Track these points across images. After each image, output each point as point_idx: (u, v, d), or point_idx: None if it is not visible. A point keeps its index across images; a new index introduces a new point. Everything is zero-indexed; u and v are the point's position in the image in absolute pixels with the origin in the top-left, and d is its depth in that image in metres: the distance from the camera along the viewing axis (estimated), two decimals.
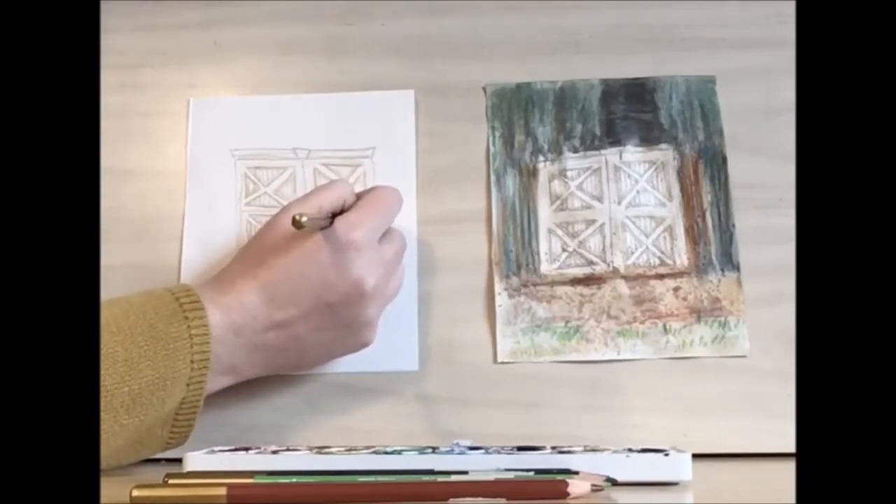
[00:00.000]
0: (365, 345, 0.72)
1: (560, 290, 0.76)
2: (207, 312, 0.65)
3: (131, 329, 0.63)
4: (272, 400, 0.73)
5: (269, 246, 0.69)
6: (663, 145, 0.78)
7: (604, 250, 0.76)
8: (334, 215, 0.69)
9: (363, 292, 0.68)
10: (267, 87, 0.81)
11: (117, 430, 0.62)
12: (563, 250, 0.77)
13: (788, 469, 0.50)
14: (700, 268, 0.76)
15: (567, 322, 0.75)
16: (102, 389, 0.61)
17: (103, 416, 0.61)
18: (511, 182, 0.78)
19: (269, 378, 0.72)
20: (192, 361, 0.64)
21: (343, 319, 0.69)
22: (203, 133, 0.80)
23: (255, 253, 0.69)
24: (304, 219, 0.64)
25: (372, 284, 0.69)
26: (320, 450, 0.62)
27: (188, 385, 0.65)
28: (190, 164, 0.80)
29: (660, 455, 0.57)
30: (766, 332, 0.74)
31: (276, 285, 0.67)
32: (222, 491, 0.51)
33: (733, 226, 0.76)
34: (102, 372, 0.61)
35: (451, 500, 0.50)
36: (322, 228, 0.68)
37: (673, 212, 0.77)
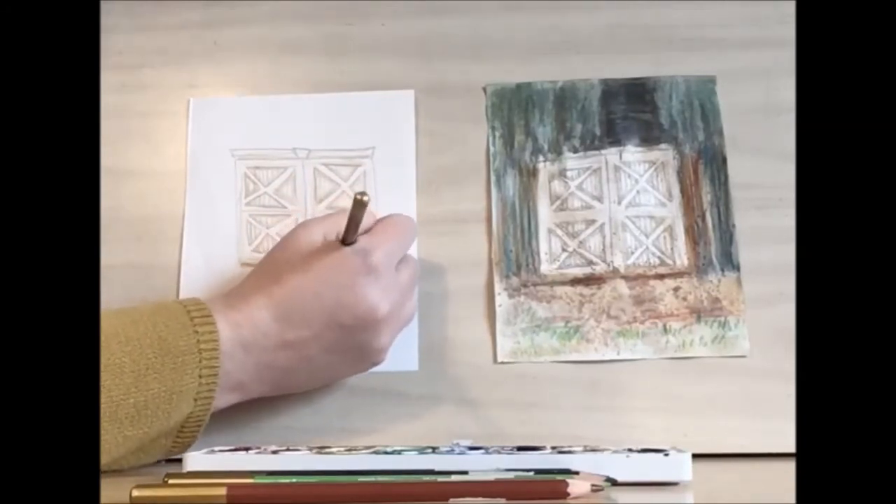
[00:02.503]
0: (375, 366, 0.71)
1: (560, 290, 0.76)
2: (218, 327, 0.64)
3: (140, 340, 0.63)
4: (272, 400, 0.73)
5: (283, 263, 0.68)
6: (663, 145, 0.78)
7: (604, 250, 0.76)
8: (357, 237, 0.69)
9: (377, 317, 0.67)
10: (267, 87, 0.81)
11: (121, 440, 0.62)
12: (563, 250, 0.77)
13: (788, 469, 0.50)
14: (700, 268, 0.76)
15: (567, 322, 0.75)
16: (108, 400, 0.61)
17: (108, 426, 0.61)
18: (511, 182, 0.78)
19: None
20: (200, 376, 0.64)
21: (355, 342, 0.68)
22: (203, 133, 0.80)
23: (269, 269, 0.69)
24: (367, 198, 0.63)
25: (387, 310, 0.68)
26: (320, 450, 0.62)
27: (196, 400, 0.64)
28: (190, 164, 0.80)
29: (660, 455, 0.57)
30: (766, 332, 0.74)
31: (290, 304, 0.67)
32: (222, 491, 0.51)
33: (733, 226, 0.76)
34: (109, 382, 0.61)
35: (451, 500, 0.50)
36: (349, 243, 0.67)
37: (673, 212, 0.77)
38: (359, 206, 0.64)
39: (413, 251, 0.76)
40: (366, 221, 0.70)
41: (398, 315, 0.70)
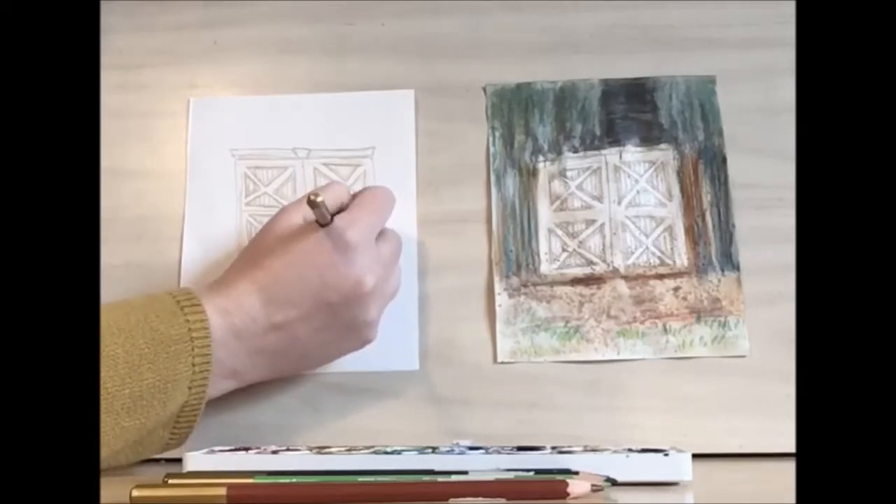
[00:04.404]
0: (367, 343, 0.72)
1: (560, 290, 0.76)
2: (207, 315, 0.65)
3: (132, 331, 0.63)
4: (272, 400, 0.73)
5: (266, 248, 0.69)
6: (663, 145, 0.78)
7: (604, 250, 0.76)
8: (332, 216, 0.69)
9: (364, 292, 0.68)
10: (267, 87, 0.81)
11: (118, 432, 0.62)
12: (563, 250, 0.77)
13: (788, 469, 0.50)
14: (700, 268, 0.76)
15: (567, 322, 0.75)
16: (103, 391, 0.61)
17: (104, 418, 0.61)
18: (511, 182, 0.78)
19: None
20: (193, 364, 0.64)
21: (343, 319, 0.69)
22: (203, 133, 0.80)
23: (252, 256, 0.69)
24: (320, 199, 0.63)
25: (372, 283, 0.68)
26: (320, 450, 0.62)
27: (190, 388, 0.64)
28: (190, 164, 0.80)
29: (660, 455, 0.57)
30: (766, 332, 0.74)
31: (274, 287, 0.67)
32: (222, 491, 0.51)
33: (733, 226, 0.76)
34: (103, 374, 0.61)
35: (451, 500, 0.50)
36: (325, 224, 0.68)
37: (673, 212, 0.77)
38: (313, 206, 0.64)
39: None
40: (342, 198, 0.70)
41: (383, 288, 0.71)
